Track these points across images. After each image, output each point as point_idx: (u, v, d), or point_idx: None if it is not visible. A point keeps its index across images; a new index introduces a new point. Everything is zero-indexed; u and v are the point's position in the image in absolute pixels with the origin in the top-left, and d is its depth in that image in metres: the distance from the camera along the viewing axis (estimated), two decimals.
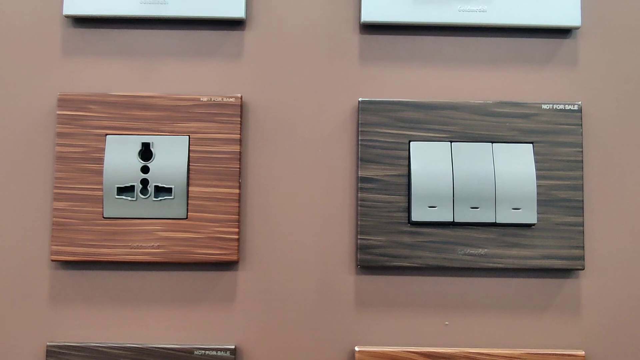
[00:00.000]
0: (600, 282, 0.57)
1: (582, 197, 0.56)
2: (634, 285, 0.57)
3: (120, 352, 0.55)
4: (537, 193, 0.55)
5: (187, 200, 0.55)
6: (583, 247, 0.56)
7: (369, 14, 0.57)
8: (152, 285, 0.56)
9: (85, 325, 0.56)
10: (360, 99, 0.56)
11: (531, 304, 0.56)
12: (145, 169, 0.55)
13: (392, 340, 0.56)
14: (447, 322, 0.56)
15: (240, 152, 0.56)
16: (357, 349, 0.55)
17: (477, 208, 0.55)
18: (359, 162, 0.56)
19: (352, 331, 0.56)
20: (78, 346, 0.55)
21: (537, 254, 0.55)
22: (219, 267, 0.56)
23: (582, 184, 0.56)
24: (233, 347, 0.55)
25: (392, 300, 0.56)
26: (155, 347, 0.55)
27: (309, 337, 0.56)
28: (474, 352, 0.55)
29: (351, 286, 0.57)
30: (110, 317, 0.56)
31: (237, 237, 0.55)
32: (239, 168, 0.56)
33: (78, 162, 0.56)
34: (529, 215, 0.55)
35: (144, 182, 0.55)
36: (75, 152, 0.56)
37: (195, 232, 0.55)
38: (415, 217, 0.55)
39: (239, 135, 0.56)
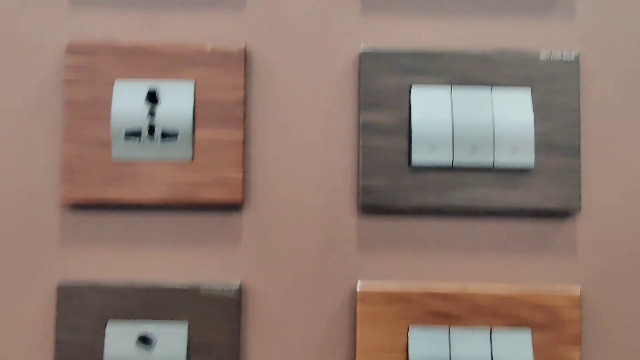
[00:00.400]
0: (596, 224, 0.58)
1: (579, 141, 0.57)
2: (629, 226, 0.58)
3: (129, 290, 0.57)
4: (535, 137, 0.57)
5: (193, 144, 0.57)
6: (579, 189, 0.57)
7: None
8: (159, 228, 0.58)
9: (95, 266, 0.58)
10: (361, 48, 0.58)
11: (528, 244, 0.58)
12: (152, 114, 0.57)
13: (393, 277, 0.58)
14: (446, 265, 0.58)
15: (244, 98, 0.58)
16: (359, 288, 0.57)
17: (475, 152, 0.56)
18: (361, 108, 0.57)
19: (354, 270, 0.58)
20: (88, 285, 0.57)
21: (534, 195, 0.57)
22: (223, 209, 0.58)
23: (579, 129, 0.57)
24: (238, 285, 0.57)
25: (393, 241, 0.58)
26: (163, 286, 0.57)
27: (312, 276, 0.58)
28: (472, 291, 0.57)
29: (353, 227, 0.58)
30: (119, 258, 0.58)
31: (241, 179, 0.57)
32: (244, 114, 0.57)
33: (86, 108, 0.57)
34: (526, 159, 0.56)
35: (151, 127, 0.57)
36: (83, 98, 0.57)
37: (200, 175, 0.57)
38: (415, 161, 0.56)
39: (242, 82, 0.57)
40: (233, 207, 0.58)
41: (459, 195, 0.57)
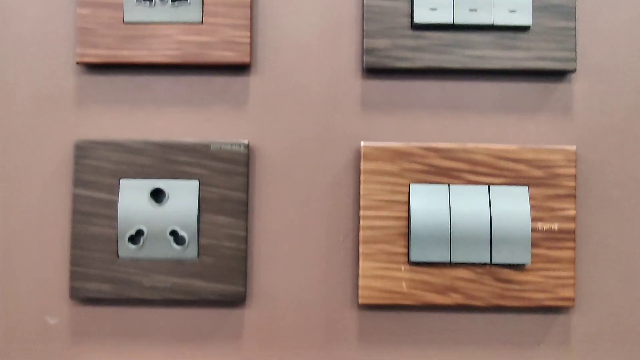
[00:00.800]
0: (591, 84, 0.60)
1: (575, 1, 0.59)
2: (624, 85, 0.60)
3: (143, 146, 0.59)
4: None
5: (202, 6, 0.59)
6: (575, 49, 0.59)
7: None
8: (170, 88, 0.60)
9: (111, 125, 0.60)
10: None
11: (525, 105, 0.60)
12: None
13: (396, 138, 0.60)
14: (447, 124, 0.60)
15: None
16: (362, 144, 0.59)
17: (475, 11, 0.58)
18: None
19: (358, 130, 0.60)
20: (104, 142, 0.59)
21: (531, 55, 0.59)
22: (232, 71, 0.60)
23: None
24: (246, 142, 0.59)
25: (396, 102, 0.60)
26: (175, 142, 0.59)
27: (317, 135, 0.60)
28: (472, 147, 0.59)
29: (357, 89, 0.60)
30: (133, 118, 0.60)
31: (249, 41, 0.59)
32: None
33: None
34: (524, 17, 0.58)
35: None
36: None
37: (209, 36, 0.59)
38: (417, 19, 0.58)
39: None
40: (241, 68, 0.60)
41: (459, 54, 0.59)
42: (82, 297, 0.59)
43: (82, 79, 0.61)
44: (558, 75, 0.60)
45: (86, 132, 0.60)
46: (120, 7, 0.59)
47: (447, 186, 0.59)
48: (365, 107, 0.60)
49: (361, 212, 0.59)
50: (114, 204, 0.59)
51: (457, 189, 0.59)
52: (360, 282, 0.58)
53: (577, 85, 0.60)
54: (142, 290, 0.58)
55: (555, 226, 0.59)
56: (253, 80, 0.61)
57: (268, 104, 0.60)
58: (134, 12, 0.59)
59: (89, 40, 0.59)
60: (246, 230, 0.59)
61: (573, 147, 0.59)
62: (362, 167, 0.59)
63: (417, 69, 0.59)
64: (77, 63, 0.59)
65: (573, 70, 0.59)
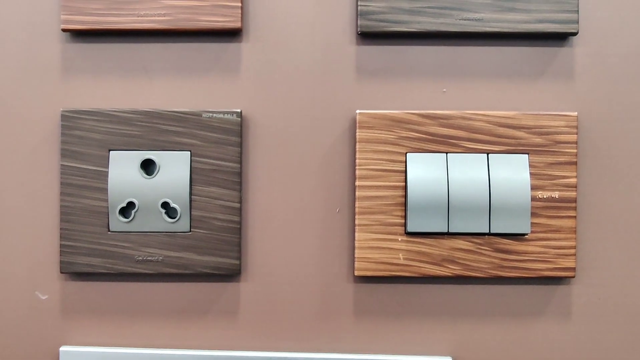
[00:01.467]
0: (594, 48, 0.58)
1: None
2: (627, 49, 0.58)
3: (132, 115, 0.57)
4: None
5: None
6: (577, 11, 0.57)
7: None
8: (160, 56, 0.58)
9: (98, 95, 0.59)
10: None
11: (526, 69, 0.58)
12: None
13: (392, 105, 0.58)
14: (444, 90, 0.58)
15: None
16: (358, 111, 0.57)
17: None
18: None
19: (353, 97, 0.59)
20: (91, 111, 0.57)
21: (532, 18, 0.57)
22: (223, 37, 0.58)
23: None
24: (239, 111, 0.57)
25: (392, 69, 0.58)
26: (165, 111, 0.57)
27: (311, 103, 0.58)
28: (470, 113, 0.57)
29: (352, 55, 0.58)
30: (121, 86, 0.59)
31: (240, 4, 0.57)
32: None
33: None
34: None
35: None
36: None
37: (199, 0, 0.57)
38: None
39: None
40: (232, 34, 0.58)
41: (457, 17, 0.57)
42: (72, 271, 0.58)
43: (68, 47, 0.59)
44: (559, 38, 0.58)
45: (73, 101, 0.59)
46: None
47: (444, 155, 0.57)
48: (360, 74, 0.59)
49: (357, 182, 0.57)
50: (103, 176, 0.57)
51: (455, 158, 0.57)
52: (356, 253, 0.57)
53: (579, 48, 0.58)
54: (133, 264, 0.57)
55: (555, 194, 0.57)
56: (245, 47, 0.59)
57: (260, 71, 0.59)
58: None
59: (74, 7, 0.57)
60: (240, 201, 0.58)
61: (574, 113, 0.57)
62: (357, 135, 0.57)
63: (414, 33, 0.57)
64: (63, 30, 0.57)
65: (575, 33, 0.57)
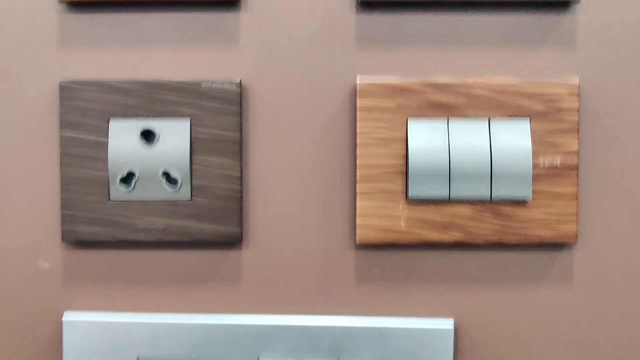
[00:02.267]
0: (596, 15, 0.58)
1: None
2: (630, 16, 0.58)
3: (131, 85, 0.57)
4: None
5: None
6: None
7: None
8: (158, 25, 0.58)
9: (96, 65, 0.58)
10: None
11: (527, 37, 0.58)
12: None
13: (392, 73, 0.58)
14: (445, 58, 0.58)
15: None
16: (358, 80, 0.57)
17: None
18: None
19: (353, 66, 0.58)
20: (90, 82, 0.57)
21: None
22: (221, 7, 0.58)
23: None
24: (238, 80, 0.57)
25: (392, 36, 0.58)
26: (164, 81, 0.57)
27: (311, 72, 0.58)
28: (472, 81, 0.57)
29: (352, 23, 0.58)
30: (119, 57, 0.58)
31: None
32: None
33: None
34: None
35: None
36: None
37: None
38: None
39: None
40: (230, 3, 0.58)
41: None
42: (74, 240, 0.58)
43: (65, 17, 0.58)
44: (561, 5, 0.58)
45: (71, 72, 0.58)
46: None
47: (445, 121, 0.57)
48: (360, 42, 0.58)
49: (358, 150, 0.57)
50: (103, 146, 0.57)
51: (456, 124, 0.57)
52: (358, 221, 0.57)
53: (581, 16, 0.58)
54: (135, 232, 0.57)
55: (557, 161, 0.57)
56: (244, 16, 0.58)
57: (259, 40, 0.58)
58: None
59: None
60: (240, 170, 0.57)
61: (576, 80, 0.57)
62: (358, 104, 0.57)
63: (414, 1, 0.57)
64: (59, 1, 0.57)
65: (577, 0, 0.57)
